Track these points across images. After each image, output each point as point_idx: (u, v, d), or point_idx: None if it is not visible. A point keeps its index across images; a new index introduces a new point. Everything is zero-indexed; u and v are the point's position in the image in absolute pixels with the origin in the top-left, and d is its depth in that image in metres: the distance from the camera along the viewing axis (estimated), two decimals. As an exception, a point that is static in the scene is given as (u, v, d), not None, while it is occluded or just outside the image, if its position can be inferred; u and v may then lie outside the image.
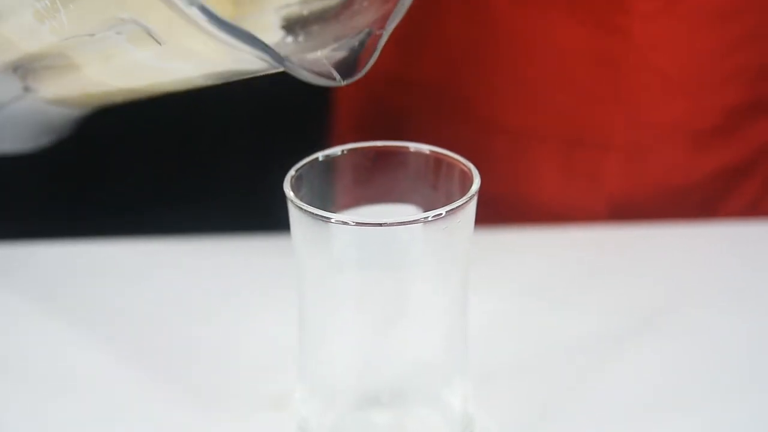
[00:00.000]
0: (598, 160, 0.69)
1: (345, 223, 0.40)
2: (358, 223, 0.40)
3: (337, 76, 0.40)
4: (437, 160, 0.44)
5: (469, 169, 0.43)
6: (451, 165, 0.44)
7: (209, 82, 0.42)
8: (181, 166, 0.70)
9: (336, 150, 0.44)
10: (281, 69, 0.38)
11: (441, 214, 0.40)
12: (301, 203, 0.40)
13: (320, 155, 0.44)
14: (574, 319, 0.58)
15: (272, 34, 0.47)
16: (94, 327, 0.58)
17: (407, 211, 0.45)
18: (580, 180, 0.70)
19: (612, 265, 0.63)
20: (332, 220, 0.40)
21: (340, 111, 0.74)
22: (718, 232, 0.66)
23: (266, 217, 0.56)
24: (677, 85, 0.67)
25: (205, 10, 0.35)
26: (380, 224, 0.40)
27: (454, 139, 0.69)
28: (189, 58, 0.40)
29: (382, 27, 0.42)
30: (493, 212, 0.66)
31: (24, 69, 0.48)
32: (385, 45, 0.42)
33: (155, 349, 0.56)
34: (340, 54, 0.42)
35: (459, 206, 0.40)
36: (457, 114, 0.70)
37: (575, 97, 0.67)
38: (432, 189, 0.45)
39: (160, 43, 0.38)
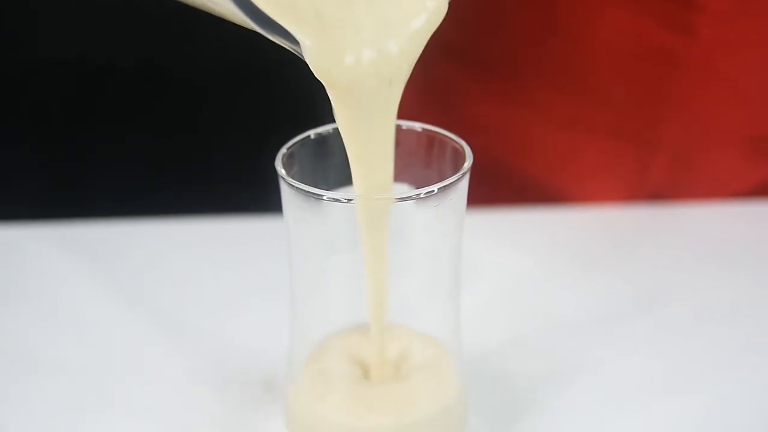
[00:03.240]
0: (645, 158, 0.68)
1: (337, 201, 0.40)
2: (350, 201, 0.40)
3: None
4: (429, 138, 0.44)
5: (462, 147, 0.42)
6: (443, 143, 0.43)
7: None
8: (176, 147, 0.70)
9: (328, 128, 0.44)
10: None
11: (433, 191, 0.40)
12: (293, 181, 0.40)
13: (312, 133, 0.44)
14: (574, 299, 0.58)
15: None
16: (84, 306, 0.58)
17: (400, 188, 0.44)
18: (625, 177, 0.69)
19: (615, 246, 0.63)
20: (324, 198, 0.40)
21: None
22: (728, 212, 0.66)
23: (261, 198, 0.56)
24: (738, 91, 0.65)
25: None
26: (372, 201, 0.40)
27: (501, 122, 0.68)
28: None
29: None
30: (532, 197, 0.66)
31: None
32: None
33: (146, 329, 0.56)
34: None
35: (451, 183, 0.40)
36: (506, 97, 0.68)
37: (629, 93, 0.66)
38: (425, 167, 0.44)
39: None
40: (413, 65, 0.39)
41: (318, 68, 0.37)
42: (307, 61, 0.37)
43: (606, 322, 0.56)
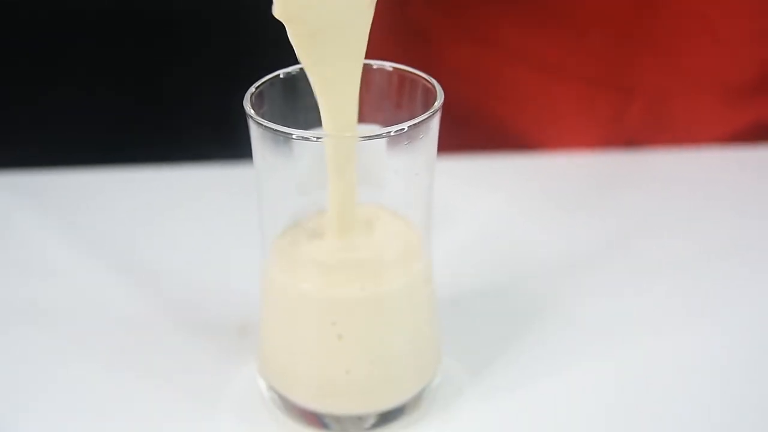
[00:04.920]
0: (621, 104, 0.67)
1: (306, 139, 0.39)
2: (319, 139, 0.40)
3: None
4: (401, 77, 0.44)
5: (433, 86, 0.42)
6: (414, 82, 0.43)
7: None
8: (150, 95, 0.69)
9: (297, 67, 0.43)
10: None
11: (403, 129, 0.39)
12: (262, 119, 0.40)
13: (281, 72, 0.43)
14: (548, 243, 0.58)
15: None
16: (56, 254, 0.57)
17: (371, 128, 0.44)
18: (600, 123, 0.68)
19: (590, 190, 0.63)
20: (294, 136, 0.39)
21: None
22: (702, 158, 0.66)
23: (230, 146, 0.56)
24: (716, 34, 0.65)
25: None
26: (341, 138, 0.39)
27: (476, 66, 0.67)
28: None
29: None
30: (506, 143, 0.65)
31: None
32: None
33: (122, 275, 0.55)
34: None
35: (421, 122, 0.40)
36: (482, 41, 0.67)
37: (606, 38, 0.65)
38: (396, 106, 0.44)
39: None
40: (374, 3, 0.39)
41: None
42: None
43: (581, 264, 0.56)
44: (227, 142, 0.58)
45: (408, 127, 0.39)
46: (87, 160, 0.64)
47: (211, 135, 0.66)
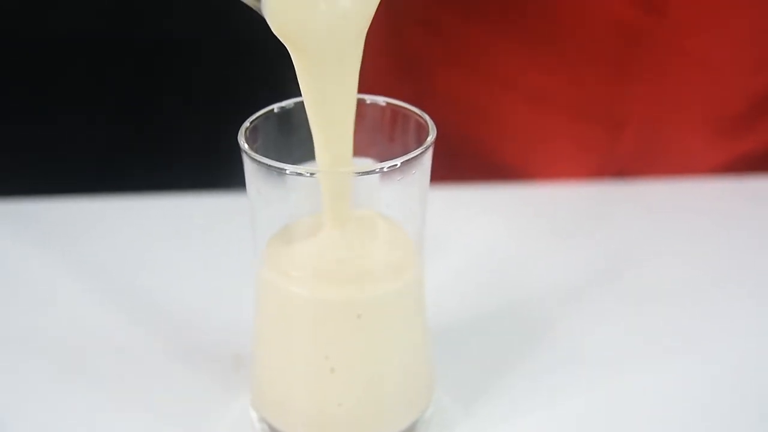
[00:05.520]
0: (613, 135, 0.68)
1: (300, 175, 0.40)
2: (312, 174, 0.40)
3: None
4: (393, 112, 0.44)
5: (425, 121, 0.42)
6: (407, 117, 0.43)
7: None
8: (142, 123, 0.70)
9: (291, 102, 0.43)
10: None
11: (396, 165, 0.40)
12: (256, 154, 0.40)
13: (275, 107, 0.43)
14: (540, 273, 0.58)
15: None
16: (50, 283, 0.57)
17: (364, 162, 0.44)
18: (592, 154, 0.69)
19: (582, 220, 0.63)
20: (287, 172, 0.39)
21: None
22: (693, 189, 0.67)
23: (226, 175, 0.56)
24: (706, 69, 0.65)
25: None
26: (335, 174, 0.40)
27: (470, 97, 0.68)
28: None
29: None
30: (499, 174, 0.66)
31: None
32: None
33: (112, 304, 0.55)
34: None
35: (414, 157, 0.40)
36: (476, 73, 0.68)
37: (598, 70, 0.66)
38: (389, 140, 0.44)
39: None
40: (368, 20, 0.39)
41: (275, 23, 0.37)
42: (265, 16, 0.37)
43: (573, 295, 0.56)
44: (222, 171, 0.59)
45: (401, 163, 0.40)
46: (81, 188, 0.64)
47: (207, 163, 0.67)
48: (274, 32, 0.38)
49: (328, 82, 0.40)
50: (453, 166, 0.63)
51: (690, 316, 0.55)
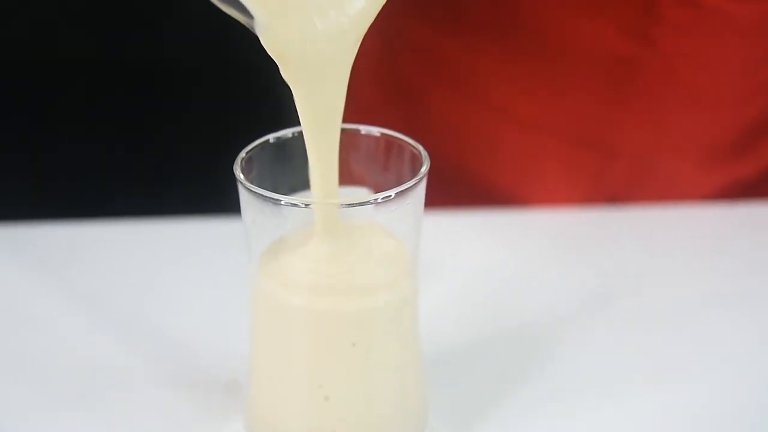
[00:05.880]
0: (605, 163, 0.69)
1: (295, 205, 0.40)
2: (307, 205, 0.40)
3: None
4: (388, 142, 0.44)
5: (419, 152, 0.43)
6: (401, 147, 0.44)
7: None
8: (138, 149, 0.70)
9: (287, 132, 0.44)
10: None
11: (390, 195, 0.40)
12: (251, 185, 0.40)
13: (271, 137, 0.44)
14: (532, 300, 0.59)
15: None
16: (46, 309, 0.57)
17: (358, 192, 0.45)
18: (584, 181, 0.69)
19: (573, 248, 0.64)
20: (282, 202, 0.40)
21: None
22: (685, 216, 0.67)
23: (224, 200, 0.56)
24: (698, 99, 0.66)
25: None
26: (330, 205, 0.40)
27: (463, 125, 0.69)
28: None
29: None
30: (491, 200, 0.66)
31: None
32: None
33: (107, 328, 0.55)
34: None
35: (408, 188, 0.41)
36: (468, 100, 0.69)
37: (590, 99, 0.66)
38: (383, 170, 0.45)
39: None
40: (360, 39, 0.40)
41: (269, 41, 0.38)
42: (258, 34, 0.38)
43: (566, 320, 0.57)
44: (220, 196, 0.59)
45: (395, 194, 0.40)
46: (76, 213, 0.64)
47: (205, 188, 0.67)
48: (267, 50, 0.39)
49: (319, 98, 0.41)
50: (446, 192, 0.63)
51: (684, 342, 0.55)
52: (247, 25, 0.38)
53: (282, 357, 0.43)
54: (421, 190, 0.42)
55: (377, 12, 0.40)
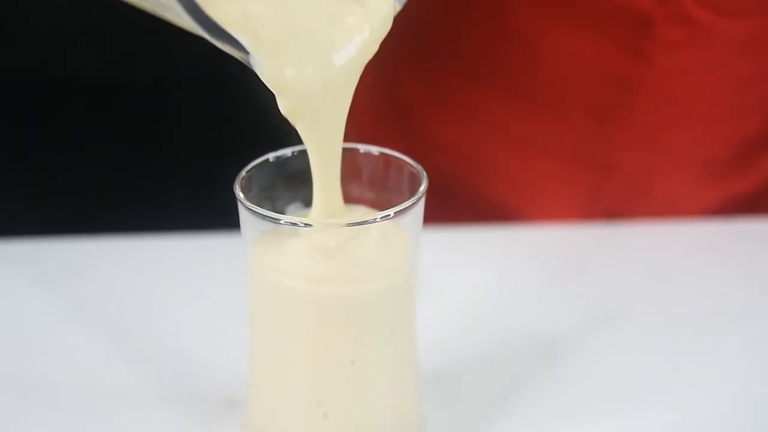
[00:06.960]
0: (601, 179, 0.69)
1: (294, 225, 0.40)
2: (307, 225, 0.41)
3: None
4: (386, 161, 0.45)
5: (418, 171, 0.43)
6: (400, 166, 0.44)
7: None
8: (140, 166, 0.70)
9: (287, 151, 0.44)
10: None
11: (389, 215, 0.41)
12: (251, 204, 0.41)
13: (271, 156, 0.44)
14: (530, 316, 0.59)
15: None
16: (45, 324, 0.58)
17: (358, 210, 0.45)
18: (580, 197, 0.70)
19: (571, 264, 0.64)
20: (281, 222, 0.40)
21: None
22: (681, 232, 0.67)
23: (225, 215, 0.57)
24: (694, 114, 0.66)
25: None
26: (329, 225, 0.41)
27: (460, 142, 0.69)
28: None
29: None
30: (489, 216, 0.67)
31: None
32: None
33: (107, 344, 0.56)
34: None
35: (407, 207, 0.41)
36: (466, 118, 0.69)
37: (587, 115, 0.67)
38: (382, 188, 0.45)
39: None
40: (359, 74, 0.40)
41: (268, 77, 0.38)
42: (256, 71, 0.38)
43: (563, 337, 0.57)
44: (221, 211, 0.59)
45: (394, 213, 0.41)
46: (77, 228, 0.65)
47: (206, 204, 0.67)
48: (265, 83, 0.39)
49: (320, 127, 0.41)
50: (444, 209, 0.64)
51: (682, 360, 0.55)
52: (243, 61, 0.38)
53: (281, 372, 0.44)
54: (420, 208, 0.42)
55: (377, 48, 0.40)
